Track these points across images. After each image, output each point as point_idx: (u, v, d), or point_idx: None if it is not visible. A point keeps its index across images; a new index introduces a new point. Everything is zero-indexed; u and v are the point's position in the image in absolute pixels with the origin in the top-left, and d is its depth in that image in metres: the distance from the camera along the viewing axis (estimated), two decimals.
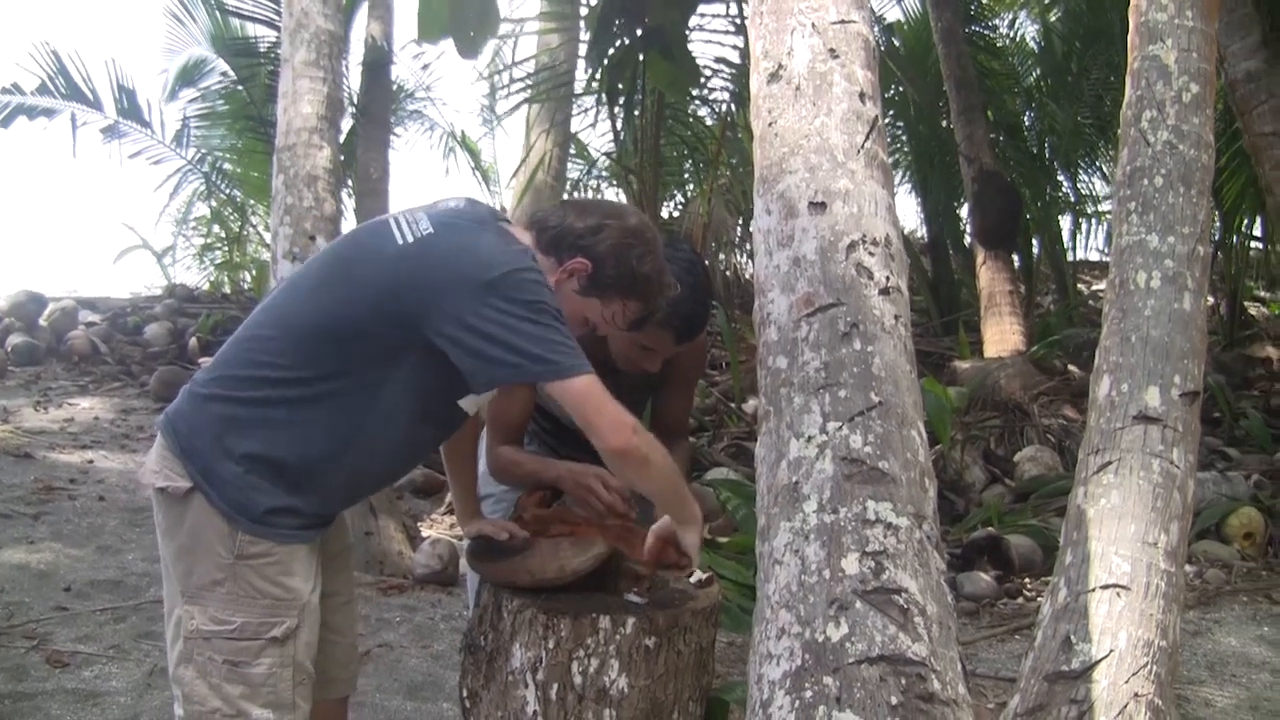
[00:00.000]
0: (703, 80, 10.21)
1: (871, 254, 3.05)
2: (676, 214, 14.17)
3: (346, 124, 11.07)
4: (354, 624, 3.40)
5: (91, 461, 9.00)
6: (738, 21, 9.46)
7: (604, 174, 15.04)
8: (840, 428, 2.80)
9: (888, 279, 3.05)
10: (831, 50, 3.32)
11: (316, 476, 2.87)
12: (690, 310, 3.34)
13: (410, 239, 2.83)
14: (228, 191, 15.96)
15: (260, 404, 2.82)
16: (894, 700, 2.45)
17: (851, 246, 3.04)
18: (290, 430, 2.82)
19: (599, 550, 3.12)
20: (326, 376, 2.81)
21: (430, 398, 2.89)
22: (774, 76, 3.38)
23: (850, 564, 2.63)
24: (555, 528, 3.26)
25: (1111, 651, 3.07)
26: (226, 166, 15.52)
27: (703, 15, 9.65)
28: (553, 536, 3.22)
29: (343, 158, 8.62)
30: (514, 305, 2.68)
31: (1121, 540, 3.21)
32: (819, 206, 3.10)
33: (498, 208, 2.96)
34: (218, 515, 2.81)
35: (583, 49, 10.20)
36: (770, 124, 3.34)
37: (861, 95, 3.30)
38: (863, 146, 3.22)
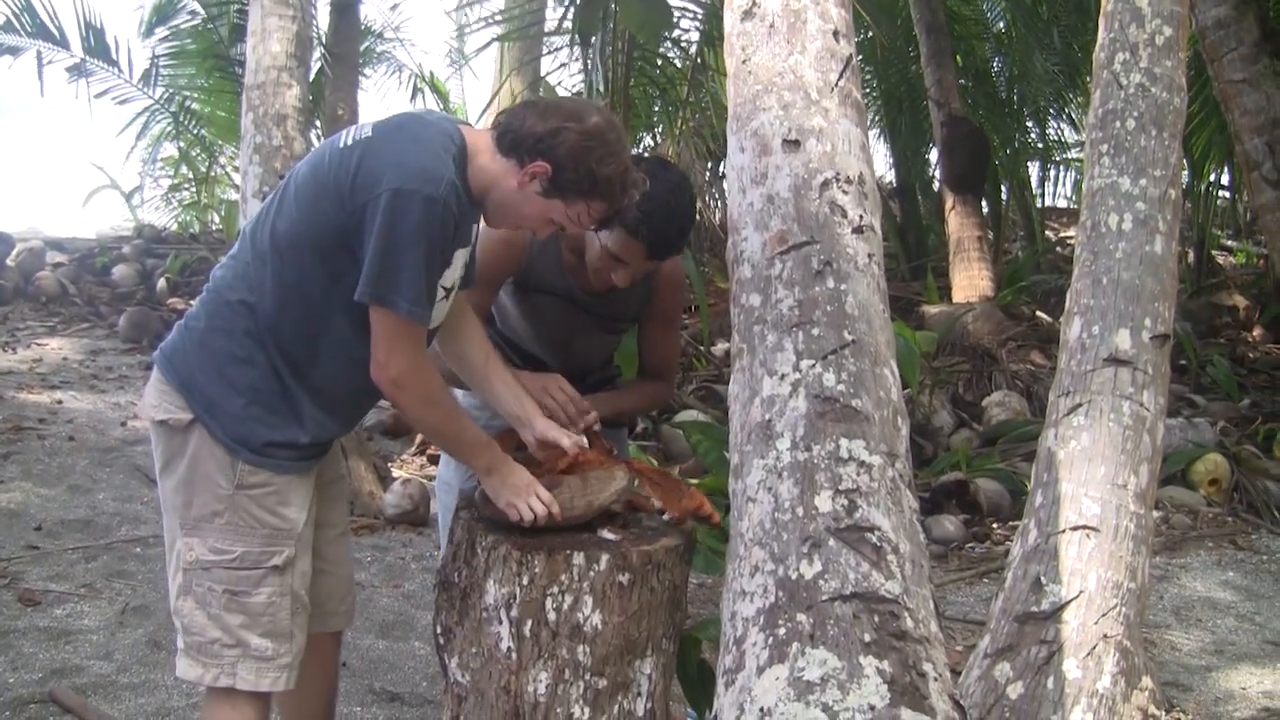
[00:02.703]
0: (673, 22, 10.13)
1: (845, 192, 3.05)
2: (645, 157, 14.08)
3: (315, 65, 10.95)
4: (348, 556, 3.42)
5: (60, 402, 8.95)
6: None
7: None
8: (813, 365, 2.81)
9: (861, 217, 3.04)
10: None
11: (306, 397, 2.93)
12: (664, 226, 3.30)
13: (350, 143, 2.88)
14: (196, 131, 15.76)
15: (249, 333, 2.88)
16: (867, 638, 2.46)
17: (825, 184, 3.04)
18: (275, 352, 2.89)
19: (620, 484, 3.16)
20: (295, 296, 2.87)
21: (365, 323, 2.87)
22: (748, 14, 3.36)
23: (823, 501, 2.64)
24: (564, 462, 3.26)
25: (1081, 593, 3.10)
26: (194, 106, 15.32)
27: None
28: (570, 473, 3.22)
29: (311, 98, 8.55)
30: (393, 224, 2.70)
31: (1091, 482, 3.24)
32: (793, 144, 3.09)
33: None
34: (219, 447, 2.87)
35: None
36: (744, 61, 3.32)
37: (835, 33, 3.29)
38: (836, 84, 3.21)
